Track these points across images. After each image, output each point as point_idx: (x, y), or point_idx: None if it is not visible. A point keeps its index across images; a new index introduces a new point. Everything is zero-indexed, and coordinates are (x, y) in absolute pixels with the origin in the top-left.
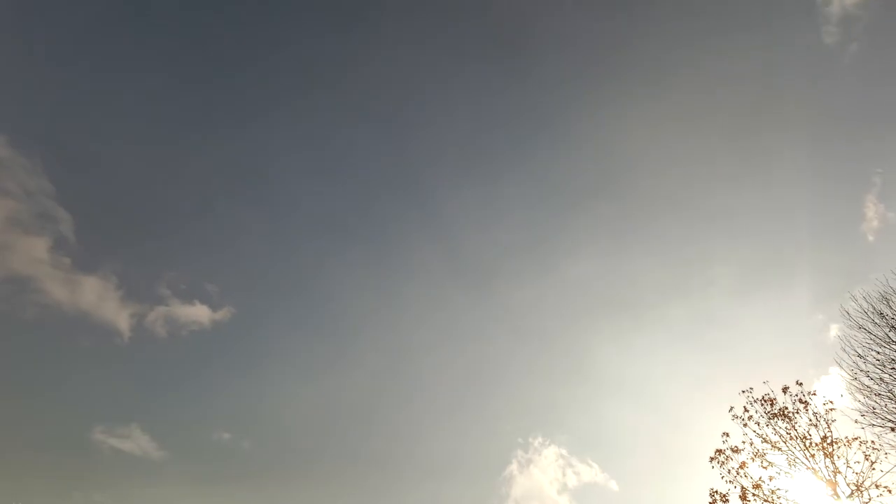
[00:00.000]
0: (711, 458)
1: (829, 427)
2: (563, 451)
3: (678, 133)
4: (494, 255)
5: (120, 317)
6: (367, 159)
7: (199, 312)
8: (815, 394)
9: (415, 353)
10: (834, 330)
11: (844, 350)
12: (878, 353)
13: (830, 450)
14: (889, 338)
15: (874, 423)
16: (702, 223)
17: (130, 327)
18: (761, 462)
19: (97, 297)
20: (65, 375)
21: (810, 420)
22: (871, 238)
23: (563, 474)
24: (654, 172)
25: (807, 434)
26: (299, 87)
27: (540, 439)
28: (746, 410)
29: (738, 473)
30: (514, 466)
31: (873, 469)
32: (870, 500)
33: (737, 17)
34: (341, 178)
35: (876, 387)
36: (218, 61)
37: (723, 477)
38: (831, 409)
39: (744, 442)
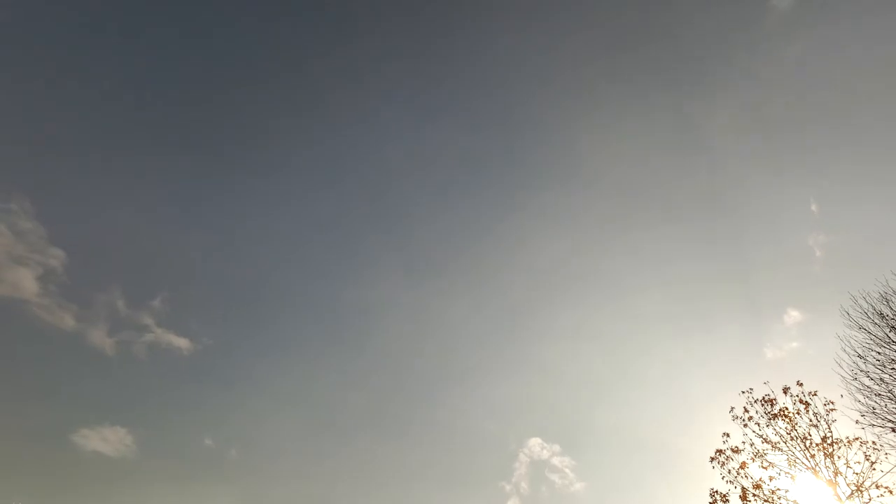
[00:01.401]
0: (712, 459)
1: (829, 427)
2: (540, 457)
3: (624, 161)
4: (452, 259)
5: (106, 342)
6: (335, 184)
7: (181, 343)
8: (815, 394)
9: (384, 364)
10: (769, 352)
11: (844, 350)
12: (878, 353)
13: (831, 450)
14: (889, 338)
15: (874, 423)
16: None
17: (116, 351)
18: (761, 462)
19: (85, 323)
20: (50, 387)
21: (810, 420)
22: (817, 268)
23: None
24: (618, 184)
25: (807, 434)
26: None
27: (513, 446)
28: (746, 411)
29: (738, 474)
30: (492, 472)
31: (874, 469)
32: (870, 500)
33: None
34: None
35: (876, 387)
36: (204, 101)
37: (723, 477)
38: (832, 410)
39: (744, 442)
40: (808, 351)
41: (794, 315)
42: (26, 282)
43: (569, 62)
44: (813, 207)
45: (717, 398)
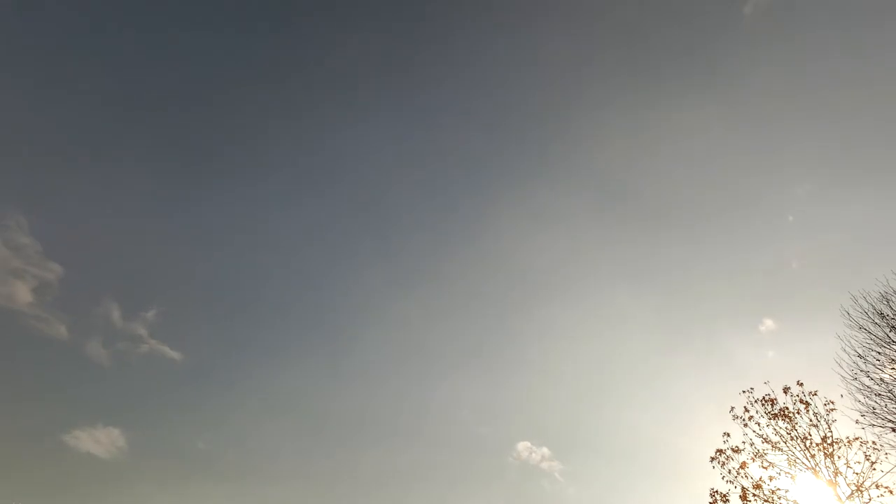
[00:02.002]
0: (712, 458)
1: (829, 427)
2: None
3: (614, 164)
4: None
5: (101, 353)
6: (327, 190)
7: (174, 354)
8: (815, 394)
9: (373, 368)
10: (748, 358)
11: (844, 350)
12: (878, 353)
13: (831, 450)
14: (889, 338)
15: (874, 423)
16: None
17: (111, 359)
18: (761, 462)
19: (79, 333)
20: (43, 389)
21: (811, 420)
22: (797, 275)
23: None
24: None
25: (807, 434)
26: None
27: (503, 449)
28: (747, 410)
29: (738, 474)
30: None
31: (874, 469)
32: (870, 500)
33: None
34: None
35: (876, 387)
36: (196, 107)
37: (723, 477)
38: (832, 410)
39: (744, 442)
40: (787, 357)
41: (768, 323)
42: (22, 294)
43: (561, 62)
44: (790, 218)
45: (709, 400)
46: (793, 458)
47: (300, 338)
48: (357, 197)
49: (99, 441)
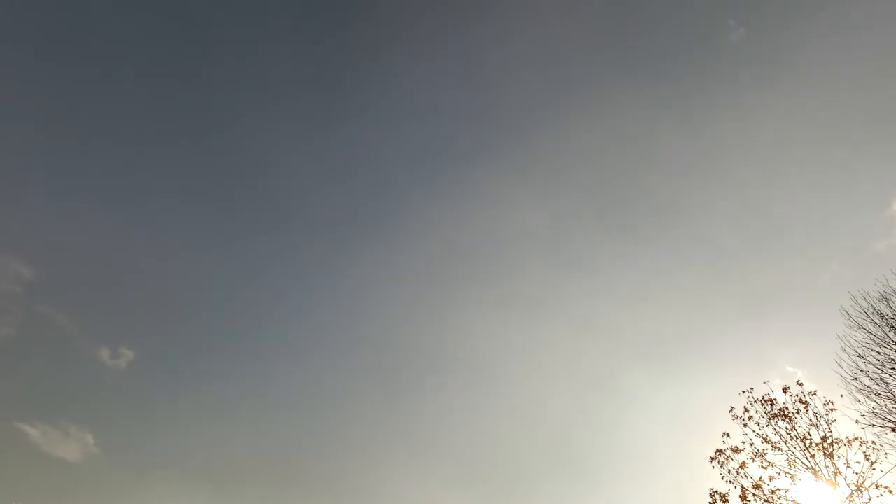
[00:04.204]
0: (712, 458)
1: (829, 427)
2: None
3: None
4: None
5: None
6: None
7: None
8: (815, 394)
9: (367, 372)
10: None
11: (844, 350)
12: (878, 353)
13: (830, 450)
14: (889, 338)
15: (874, 423)
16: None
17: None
18: (761, 462)
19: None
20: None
21: (810, 420)
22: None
23: None
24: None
25: (807, 434)
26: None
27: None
28: (746, 410)
29: (738, 474)
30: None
31: (873, 469)
32: (870, 500)
33: None
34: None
35: (876, 387)
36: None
37: (723, 477)
38: (832, 410)
39: (744, 442)
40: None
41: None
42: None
43: (561, 60)
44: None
45: (707, 403)
46: (792, 458)
47: (290, 340)
48: (357, 196)
49: (69, 445)
